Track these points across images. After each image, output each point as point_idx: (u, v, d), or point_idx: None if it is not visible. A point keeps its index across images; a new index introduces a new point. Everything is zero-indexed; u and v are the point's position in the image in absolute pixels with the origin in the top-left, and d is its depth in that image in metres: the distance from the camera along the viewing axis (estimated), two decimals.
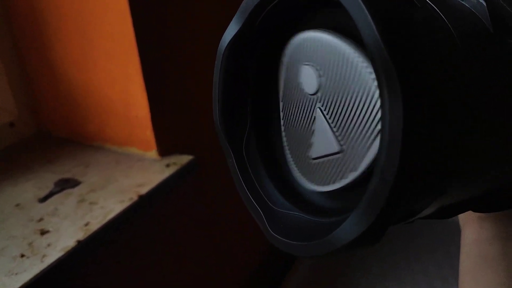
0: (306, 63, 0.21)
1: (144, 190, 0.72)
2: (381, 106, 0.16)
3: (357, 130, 0.19)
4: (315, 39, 0.21)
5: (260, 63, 0.25)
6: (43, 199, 0.71)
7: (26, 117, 0.90)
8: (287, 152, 0.24)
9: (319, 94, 0.21)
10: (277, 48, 0.24)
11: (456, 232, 0.35)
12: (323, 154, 0.21)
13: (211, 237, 1.05)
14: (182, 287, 0.95)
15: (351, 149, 0.20)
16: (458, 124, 0.18)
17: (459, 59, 0.19)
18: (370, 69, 0.18)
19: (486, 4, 0.22)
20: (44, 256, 0.58)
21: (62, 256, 0.58)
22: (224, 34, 0.24)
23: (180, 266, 0.93)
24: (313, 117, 0.22)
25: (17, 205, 0.70)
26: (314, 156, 0.22)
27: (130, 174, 0.77)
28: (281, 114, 0.24)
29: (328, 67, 0.20)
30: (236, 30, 0.23)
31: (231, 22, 0.23)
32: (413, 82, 0.16)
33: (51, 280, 0.56)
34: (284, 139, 0.24)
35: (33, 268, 0.55)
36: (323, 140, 0.21)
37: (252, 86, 0.25)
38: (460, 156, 0.19)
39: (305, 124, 0.22)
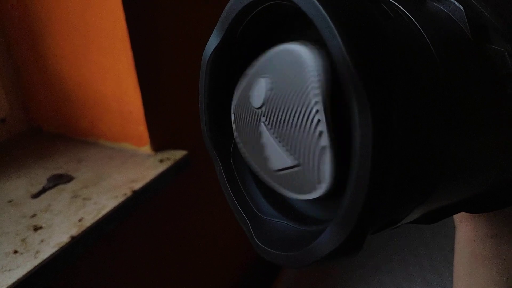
0: (264, 75, 0.21)
1: (137, 186, 0.72)
2: (351, 119, 0.16)
3: (302, 146, 0.19)
4: (283, 51, 0.20)
5: (243, 72, 0.24)
6: (36, 195, 0.71)
7: (17, 113, 0.89)
8: (252, 163, 0.23)
9: (263, 109, 0.21)
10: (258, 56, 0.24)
11: (449, 226, 0.35)
12: (282, 167, 0.21)
13: (205, 232, 1.05)
14: (175, 283, 0.95)
15: (307, 162, 0.19)
16: (432, 134, 0.18)
17: (434, 68, 0.19)
18: (317, 84, 0.18)
19: (464, 9, 0.22)
20: (37, 252, 0.58)
21: (56, 252, 0.58)
22: (206, 45, 0.24)
23: (173, 262, 0.93)
24: (259, 131, 0.21)
25: (10, 201, 0.69)
26: (275, 168, 0.21)
27: (124, 169, 0.77)
28: (233, 126, 0.24)
29: (279, 79, 0.20)
30: (218, 40, 0.23)
31: (213, 32, 0.23)
32: (383, 95, 0.15)
33: (45, 276, 0.56)
34: (244, 151, 0.24)
35: (27, 264, 0.55)
36: (275, 154, 0.21)
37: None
38: (437, 165, 0.19)
39: (255, 138, 0.22)
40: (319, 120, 0.18)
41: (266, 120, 0.21)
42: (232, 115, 0.24)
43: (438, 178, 0.19)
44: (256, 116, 0.21)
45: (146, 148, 0.82)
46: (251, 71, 0.22)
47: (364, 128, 0.15)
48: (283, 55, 0.20)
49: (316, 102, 0.18)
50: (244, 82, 0.23)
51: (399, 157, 0.16)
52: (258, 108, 0.21)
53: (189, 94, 0.90)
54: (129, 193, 0.70)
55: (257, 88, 0.21)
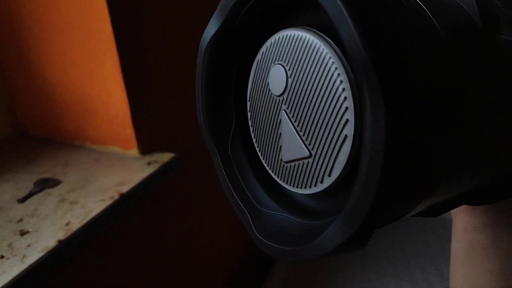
0: (278, 62, 0.21)
1: (125, 189, 0.72)
2: (362, 111, 0.15)
3: (323, 135, 0.19)
4: (294, 38, 0.20)
5: (242, 60, 0.24)
6: (22, 200, 0.70)
7: (3, 116, 0.88)
8: (259, 154, 0.23)
9: (284, 96, 0.20)
10: (259, 45, 0.23)
11: (449, 223, 0.35)
12: (293, 158, 0.21)
13: (194, 234, 1.05)
14: (165, 285, 0.95)
15: (321, 154, 0.19)
16: (443, 126, 0.18)
17: (446, 58, 0.19)
18: (339, 71, 0.18)
19: None
20: (24, 256, 0.57)
21: (43, 256, 0.57)
22: (205, 32, 0.23)
23: (162, 265, 0.93)
24: (279, 119, 0.21)
25: None
26: (286, 159, 0.21)
27: (111, 173, 0.77)
28: (249, 114, 0.23)
29: (298, 67, 0.19)
30: (216, 28, 0.22)
31: (211, 20, 0.23)
32: (395, 86, 0.15)
33: (32, 280, 0.56)
34: (254, 140, 0.23)
35: (13, 269, 0.55)
36: (291, 144, 0.20)
37: (235, 84, 0.25)
38: (445, 158, 0.19)
39: (272, 126, 0.22)
40: (346, 108, 0.17)
41: (288, 108, 0.20)
42: (248, 103, 0.23)
43: (444, 172, 0.19)
44: (276, 104, 0.21)
45: (134, 151, 0.82)
46: (260, 56, 0.22)
47: (377, 121, 0.15)
48: (293, 42, 0.20)
49: (344, 89, 0.17)
50: (255, 68, 0.22)
51: (409, 151, 0.16)
52: (279, 96, 0.21)
53: (176, 96, 0.90)
54: (116, 196, 0.70)
55: (276, 75, 0.21)
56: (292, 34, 0.20)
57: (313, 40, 0.19)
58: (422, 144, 0.17)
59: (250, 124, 0.23)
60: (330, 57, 0.18)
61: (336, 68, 0.18)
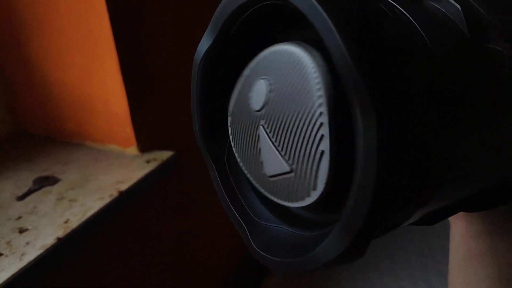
0: (263, 77, 0.20)
1: (124, 187, 0.72)
2: (354, 122, 0.15)
3: (300, 151, 0.18)
4: (281, 52, 0.19)
5: (237, 73, 0.24)
6: (21, 197, 0.70)
7: (3, 115, 0.88)
8: (244, 169, 0.23)
9: (263, 111, 0.20)
10: (252, 58, 0.23)
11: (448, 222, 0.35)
12: (275, 173, 0.20)
13: (192, 232, 1.05)
14: (163, 284, 0.95)
15: (301, 169, 0.19)
16: (434, 134, 0.18)
17: (435, 69, 0.19)
18: (320, 85, 0.17)
19: (461, 8, 0.21)
20: (23, 254, 0.57)
21: (42, 254, 0.58)
22: (198, 46, 0.23)
23: (161, 263, 0.93)
24: (257, 135, 0.21)
25: None
26: (269, 174, 0.21)
27: (110, 171, 0.77)
28: (229, 129, 0.23)
29: (280, 81, 0.19)
30: (210, 42, 0.22)
31: (205, 34, 0.23)
32: (387, 98, 0.15)
33: (31, 278, 0.56)
34: (236, 154, 0.23)
35: (12, 267, 0.55)
36: (271, 159, 0.20)
37: (230, 97, 0.24)
38: (439, 166, 0.19)
39: (251, 142, 0.21)
40: (321, 123, 0.17)
41: (265, 123, 0.20)
42: (229, 118, 0.23)
43: (439, 180, 0.19)
44: (254, 119, 0.21)
45: (133, 149, 0.82)
46: (247, 72, 0.21)
47: (369, 132, 0.15)
48: (281, 56, 0.19)
49: (320, 105, 0.17)
50: (241, 83, 0.22)
51: (403, 161, 0.16)
52: (257, 111, 0.20)
53: (175, 94, 0.91)
54: (115, 194, 0.70)
55: (257, 89, 0.20)
56: (280, 49, 0.19)
57: (299, 53, 0.18)
58: (415, 153, 0.17)
59: (231, 139, 0.23)
60: (314, 70, 0.18)
61: (317, 82, 0.17)
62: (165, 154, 0.82)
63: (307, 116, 0.18)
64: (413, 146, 0.16)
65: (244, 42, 0.23)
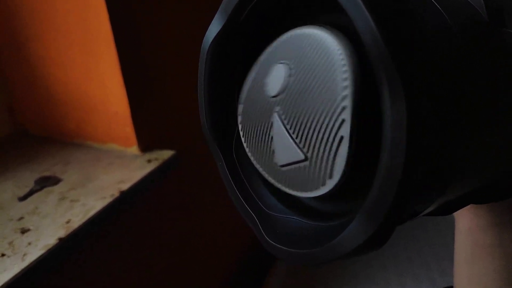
0: (282, 61, 0.20)
1: (125, 186, 0.72)
2: (383, 107, 0.15)
3: (317, 137, 0.18)
4: (305, 35, 0.19)
5: (246, 61, 0.23)
6: (23, 198, 0.70)
7: (3, 115, 0.88)
8: (253, 160, 0.22)
9: (281, 96, 0.20)
10: (264, 45, 0.22)
11: (452, 219, 0.35)
12: (289, 161, 0.20)
13: (194, 231, 1.05)
14: (165, 283, 0.95)
15: (317, 157, 0.18)
16: (460, 119, 0.18)
17: (459, 52, 0.18)
18: (345, 68, 0.17)
19: None
20: (25, 254, 0.57)
21: (43, 254, 0.57)
22: (207, 32, 0.22)
23: (162, 262, 0.93)
24: (270, 122, 0.20)
25: None
26: (281, 163, 0.20)
27: (111, 170, 0.77)
28: (239, 118, 0.22)
29: (303, 64, 0.19)
30: (219, 28, 0.22)
31: (214, 19, 0.22)
32: (415, 81, 0.15)
33: (33, 278, 0.56)
34: (244, 144, 0.22)
35: (14, 267, 0.55)
36: (284, 147, 0.20)
37: (239, 86, 0.24)
38: (462, 152, 0.18)
39: (263, 130, 0.21)
40: (344, 107, 0.17)
41: (281, 109, 0.19)
42: (240, 106, 0.22)
43: (458, 167, 0.19)
44: (269, 106, 0.20)
45: (134, 149, 0.82)
46: (264, 57, 0.21)
47: (398, 117, 0.14)
48: (302, 40, 0.19)
49: (345, 87, 0.17)
50: (256, 69, 0.21)
51: (428, 145, 0.16)
52: (273, 97, 0.20)
53: (176, 93, 0.90)
54: (116, 194, 0.70)
55: (274, 75, 0.20)
56: (302, 32, 0.19)
57: (322, 35, 0.18)
58: (439, 137, 0.16)
59: (240, 128, 0.22)
60: (340, 52, 0.17)
61: (344, 64, 0.17)
62: (166, 154, 0.82)
63: (330, 99, 0.17)
64: (438, 129, 0.16)
65: (253, 30, 0.22)
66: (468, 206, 0.33)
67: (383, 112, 0.15)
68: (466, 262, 0.33)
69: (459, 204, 0.25)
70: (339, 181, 0.18)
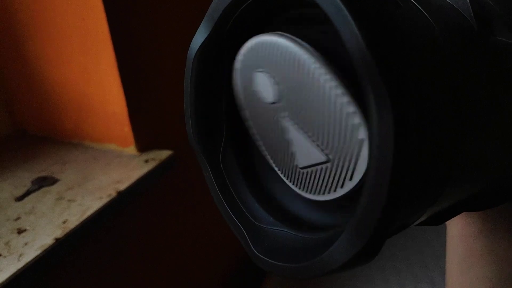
0: (259, 70, 0.19)
1: (122, 187, 0.72)
2: (368, 117, 0.15)
3: (335, 139, 0.17)
4: (267, 43, 0.19)
5: (233, 68, 0.23)
6: (20, 198, 0.70)
7: (1, 115, 0.88)
8: (271, 162, 0.22)
9: (282, 104, 0.19)
10: None
11: (442, 230, 0.35)
12: (310, 163, 0.19)
13: (192, 232, 1.05)
14: (162, 284, 0.95)
15: (339, 158, 0.18)
16: (449, 128, 0.17)
17: (446, 60, 0.18)
18: (328, 76, 0.17)
19: (469, 0, 0.21)
20: (21, 255, 0.57)
21: (40, 254, 0.57)
22: (193, 40, 0.22)
23: (160, 263, 0.93)
24: (282, 127, 0.20)
25: None
26: (302, 165, 0.20)
27: (109, 170, 0.77)
28: (250, 122, 0.22)
29: (284, 74, 0.18)
30: (205, 36, 0.21)
31: (200, 27, 0.22)
32: (400, 86, 0.14)
33: (29, 279, 0.56)
34: (263, 148, 0.22)
35: (10, 268, 0.55)
36: (305, 150, 0.19)
37: (226, 93, 0.23)
38: (452, 162, 0.18)
39: (278, 134, 0.20)
40: (353, 112, 0.16)
41: (289, 115, 0.19)
42: (246, 111, 0.22)
43: (448, 178, 0.18)
44: (274, 112, 0.20)
45: (131, 149, 0.82)
46: (238, 65, 0.21)
47: (384, 127, 0.14)
48: (268, 48, 0.19)
49: (341, 94, 0.16)
50: (238, 77, 0.21)
51: (417, 154, 0.15)
52: (273, 103, 0.19)
53: (173, 93, 0.90)
54: (114, 194, 0.70)
55: (260, 83, 0.20)
56: (263, 40, 0.19)
57: (286, 45, 0.18)
58: (427, 147, 0.16)
59: (254, 132, 0.22)
60: (313, 61, 0.17)
61: (321, 73, 0.17)
62: (164, 154, 0.82)
63: (332, 107, 0.17)
64: (426, 139, 0.16)
65: (240, 37, 0.22)
66: (460, 214, 0.32)
67: (369, 121, 0.15)
68: (457, 269, 0.32)
69: (451, 213, 0.25)
70: (359, 183, 0.17)
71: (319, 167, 0.19)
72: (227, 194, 0.23)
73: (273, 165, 0.21)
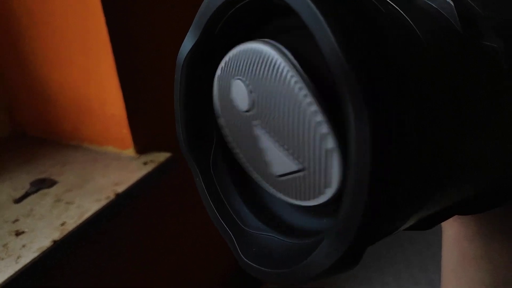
0: (237, 77, 0.19)
1: (121, 189, 0.72)
2: (346, 121, 0.14)
3: (305, 148, 0.17)
4: (249, 51, 0.19)
5: None
6: (18, 200, 0.70)
7: (1, 117, 0.88)
8: (250, 169, 0.22)
9: (254, 112, 0.19)
10: None
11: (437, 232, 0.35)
12: (285, 172, 0.19)
13: (189, 234, 1.05)
14: (161, 286, 0.95)
15: (313, 166, 0.17)
16: (430, 134, 0.17)
17: (429, 65, 0.18)
18: (299, 84, 0.17)
19: (454, 4, 0.21)
20: (19, 257, 0.57)
21: (37, 256, 0.58)
22: (181, 46, 0.22)
23: (158, 265, 0.93)
24: (255, 135, 0.20)
25: None
26: (278, 174, 0.20)
27: (107, 172, 0.77)
28: (226, 130, 0.22)
29: (257, 82, 0.18)
30: (194, 41, 0.21)
31: (188, 33, 0.22)
32: (380, 96, 0.14)
33: (27, 281, 0.56)
34: (240, 155, 0.22)
35: (8, 270, 0.55)
36: (278, 159, 0.19)
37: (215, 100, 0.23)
38: (431, 170, 0.18)
39: (251, 142, 0.20)
40: (319, 122, 0.16)
41: (261, 123, 0.19)
42: (222, 119, 0.22)
43: (435, 183, 0.18)
44: (247, 120, 0.20)
45: (130, 151, 0.82)
46: (219, 72, 0.21)
47: (361, 133, 0.14)
48: (248, 55, 0.19)
49: (310, 103, 0.16)
50: (217, 84, 0.21)
51: (397, 162, 0.15)
52: (246, 111, 0.19)
53: (172, 95, 0.90)
54: (112, 196, 0.70)
55: (237, 90, 0.19)
56: (245, 48, 0.19)
57: (268, 52, 0.18)
58: (409, 154, 0.16)
59: (231, 140, 0.22)
60: (287, 70, 0.17)
61: (295, 81, 0.17)
62: (162, 156, 0.82)
63: (300, 115, 0.17)
64: (407, 146, 0.16)
65: (230, 42, 0.21)
66: (454, 217, 0.32)
67: (346, 127, 0.15)
68: (452, 272, 0.32)
69: (442, 217, 0.24)
70: (338, 190, 0.17)
71: (295, 175, 0.19)
72: (217, 199, 0.23)
73: (252, 173, 0.21)
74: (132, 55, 0.78)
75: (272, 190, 0.21)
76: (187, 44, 0.22)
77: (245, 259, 0.20)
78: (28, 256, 0.57)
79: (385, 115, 0.14)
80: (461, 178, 0.21)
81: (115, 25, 0.72)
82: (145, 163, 0.80)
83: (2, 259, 0.57)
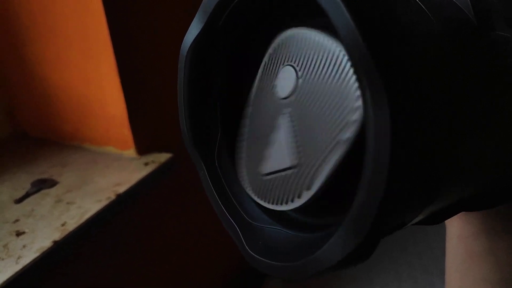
0: (288, 63, 0.19)
1: (122, 189, 0.72)
2: (366, 115, 0.14)
3: (316, 139, 0.17)
4: (305, 38, 0.19)
5: (229, 65, 0.23)
6: (19, 200, 0.70)
7: (1, 117, 0.88)
8: (243, 166, 0.22)
9: (292, 99, 0.19)
10: (249, 47, 0.22)
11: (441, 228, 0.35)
12: (274, 169, 0.19)
13: (190, 235, 1.05)
14: (162, 286, 0.95)
15: (306, 163, 0.18)
16: (447, 125, 0.17)
17: (445, 56, 0.18)
18: (352, 71, 0.17)
19: None
20: (19, 257, 0.57)
21: (38, 257, 0.57)
22: (185, 36, 0.22)
23: (159, 265, 0.93)
24: (276, 125, 0.20)
25: None
26: (265, 172, 0.20)
27: (108, 173, 0.77)
28: (247, 121, 0.22)
29: (310, 68, 0.18)
30: (198, 31, 0.21)
31: (192, 23, 0.21)
32: (399, 86, 0.14)
33: (27, 281, 0.56)
34: (243, 149, 0.22)
35: (8, 270, 0.55)
36: (279, 152, 0.19)
37: (220, 91, 0.23)
38: (451, 160, 0.18)
39: (267, 132, 0.20)
40: (356, 107, 0.16)
41: (290, 111, 0.19)
42: (249, 108, 0.21)
43: (446, 177, 0.18)
44: (278, 108, 0.20)
45: (131, 152, 0.82)
46: (267, 58, 0.20)
47: (381, 120, 0.14)
48: (302, 42, 0.19)
49: (358, 97, 0.16)
50: (264, 71, 0.21)
51: (414, 152, 0.15)
52: (283, 98, 0.19)
53: (173, 96, 0.90)
54: (113, 196, 0.70)
55: (284, 76, 0.19)
56: (300, 33, 0.19)
57: (326, 41, 0.18)
58: (425, 146, 0.16)
59: (245, 131, 0.22)
60: (346, 59, 0.17)
61: (350, 70, 0.17)
62: (163, 156, 0.82)
63: (342, 102, 0.17)
64: (424, 137, 0.16)
65: (235, 32, 0.21)
66: (459, 214, 0.32)
67: (366, 117, 0.15)
68: (456, 270, 0.32)
69: (450, 212, 0.24)
70: (317, 193, 0.17)
71: (280, 174, 0.19)
72: (222, 193, 0.23)
73: (243, 170, 0.21)
74: (133, 56, 0.78)
75: (251, 192, 0.21)
76: (192, 33, 0.21)
77: (252, 253, 0.20)
78: (28, 256, 0.57)
79: (405, 105, 0.14)
80: (470, 173, 0.20)
81: (116, 25, 0.72)
82: (146, 164, 0.80)
83: (3, 259, 0.57)
